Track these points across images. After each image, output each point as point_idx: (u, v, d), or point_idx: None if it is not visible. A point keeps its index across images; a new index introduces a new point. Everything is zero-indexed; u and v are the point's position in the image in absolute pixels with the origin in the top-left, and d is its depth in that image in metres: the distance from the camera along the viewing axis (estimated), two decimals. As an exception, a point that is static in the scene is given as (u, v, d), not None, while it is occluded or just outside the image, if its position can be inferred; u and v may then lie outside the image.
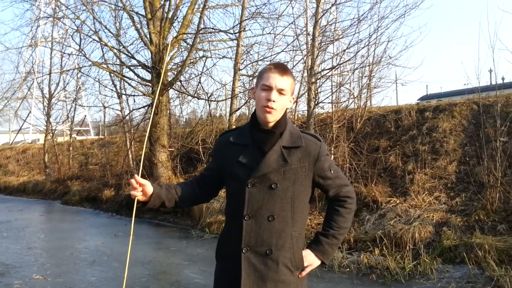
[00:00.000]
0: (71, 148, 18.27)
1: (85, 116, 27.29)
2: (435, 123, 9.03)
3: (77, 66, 13.77)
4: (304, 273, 2.14)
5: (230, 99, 11.25)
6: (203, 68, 11.45)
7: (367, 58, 9.02)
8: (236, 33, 10.40)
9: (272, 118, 2.08)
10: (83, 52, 10.73)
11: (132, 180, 2.08)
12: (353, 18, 8.82)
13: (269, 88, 2.06)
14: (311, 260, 2.15)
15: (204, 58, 11.57)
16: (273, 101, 2.04)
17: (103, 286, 5.53)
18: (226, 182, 2.23)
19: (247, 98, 11.32)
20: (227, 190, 2.24)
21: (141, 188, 2.10)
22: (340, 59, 8.76)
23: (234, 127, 11.20)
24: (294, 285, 2.10)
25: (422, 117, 9.48)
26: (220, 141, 2.29)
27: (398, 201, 7.31)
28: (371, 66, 9.06)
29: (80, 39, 10.81)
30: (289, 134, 2.12)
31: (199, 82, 11.55)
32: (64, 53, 14.45)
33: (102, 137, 19.62)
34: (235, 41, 11.04)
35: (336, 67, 8.79)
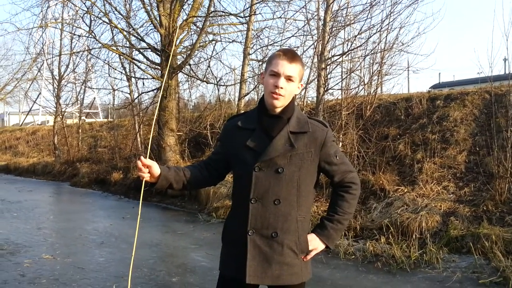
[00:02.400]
0: (80, 131, 18.37)
1: (94, 98, 27.36)
2: (446, 112, 8.94)
3: (87, 48, 13.75)
4: (309, 256, 2.16)
5: (239, 84, 11.19)
6: (212, 52, 11.47)
7: (378, 44, 8.91)
8: (246, 16, 10.31)
9: (279, 104, 2.10)
10: (93, 34, 10.71)
11: (139, 162, 2.12)
12: (365, 3, 8.68)
13: (277, 75, 2.07)
14: (316, 244, 2.16)
15: (213, 42, 11.53)
16: (281, 87, 2.06)
17: (111, 266, 5.59)
18: (233, 166, 2.26)
19: (256, 83, 11.27)
20: (234, 174, 2.27)
21: (148, 170, 2.13)
22: (351, 45, 8.66)
23: (242, 111, 11.19)
24: (299, 267, 2.13)
25: (433, 105, 9.38)
26: (227, 125, 2.32)
27: (406, 190, 7.27)
28: (382, 52, 8.95)
29: (90, 21, 10.80)
30: (296, 120, 2.14)
31: (208, 66, 11.51)
32: (74, 34, 14.43)
33: (111, 120, 19.67)
34: (245, 25, 10.95)
35: (347, 53, 8.69)
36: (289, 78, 2.08)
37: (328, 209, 2.26)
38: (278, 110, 2.13)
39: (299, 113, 2.18)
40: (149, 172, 2.14)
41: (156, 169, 2.15)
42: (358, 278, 5.01)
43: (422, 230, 6.06)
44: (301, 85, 2.21)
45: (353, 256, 5.75)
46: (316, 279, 5.03)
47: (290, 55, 2.11)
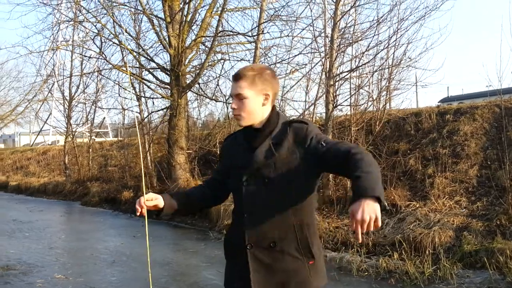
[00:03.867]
0: (90, 150, 18.50)
1: (104, 118, 27.59)
2: (456, 126, 8.91)
3: (97, 69, 13.96)
4: (356, 226, 1.70)
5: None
6: (221, 70, 11.54)
7: (386, 60, 8.94)
8: (254, 35, 10.42)
9: (244, 123, 2.13)
10: (103, 55, 10.87)
11: (137, 206, 2.17)
12: (372, 20, 8.76)
13: (232, 97, 2.16)
14: (355, 206, 1.70)
15: (222, 61, 11.65)
16: (233, 108, 2.13)
17: (123, 286, 5.60)
18: (229, 183, 2.28)
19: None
20: (231, 190, 2.32)
21: (154, 203, 2.18)
22: (359, 61, 8.70)
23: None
24: (307, 272, 2.07)
25: (443, 120, 9.35)
26: (224, 143, 2.39)
27: (417, 205, 7.21)
28: (390, 68, 8.98)
29: (101, 43, 10.96)
30: (279, 131, 2.13)
31: (217, 85, 11.61)
32: (85, 56, 14.64)
33: (121, 139, 19.81)
34: (253, 44, 11.06)
35: (355, 70, 8.74)
36: (238, 97, 2.10)
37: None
38: (259, 125, 2.14)
39: (284, 123, 2.16)
40: (154, 205, 2.19)
41: (161, 201, 2.20)
42: (371, 295, 4.97)
43: (435, 246, 6.00)
44: (267, 95, 2.13)
45: (366, 273, 5.70)
46: (329, 296, 4.99)
47: (235, 75, 2.14)
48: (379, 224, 1.72)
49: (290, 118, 2.25)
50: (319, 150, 2.03)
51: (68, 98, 18.07)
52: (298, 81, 10.94)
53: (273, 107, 2.20)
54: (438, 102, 23.56)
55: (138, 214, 2.18)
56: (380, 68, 8.93)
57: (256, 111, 2.12)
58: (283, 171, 2.07)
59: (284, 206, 2.08)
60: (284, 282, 2.06)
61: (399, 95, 11.56)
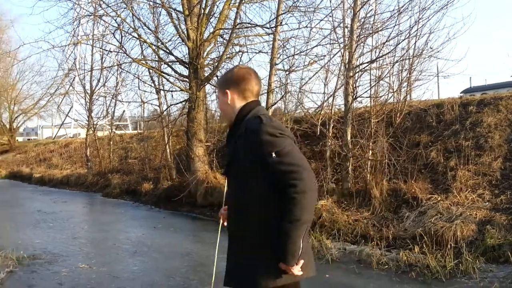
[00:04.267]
0: (111, 143, 18.73)
1: (123, 111, 27.88)
2: (479, 118, 8.73)
3: (117, 63, 14.08)
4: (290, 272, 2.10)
5: (266, 94, 11.22)
6: (239, 63, 11.49)
7: (407, 51, 8.80)
8: (272, 27, 10.36)
9: (223, 121, 2.49)
10: (123, 49, 10.94)
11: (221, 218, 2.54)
12: (393, 10, 8.60)
13: None
14: (283, 267, 2.11)
15: (240, 53, 11.62)
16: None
17: (145, 275, 5.67)
18: None
19: (283, 93, 11.28)
20: None
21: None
22: (379, 52, 8.57)
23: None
24: (262, 269, 2.13)
25: (466, 111, 9.18)
26: None
27: (439, 198, 7.12)
28: (411, 59, 8.83)
29: (121, 37, 11.03)
30: (240, 129, 2.22)
31: (236, 77, 11.57)
32: (105, 50, 14.77)
33: (141, 131, 20.00)
34: (271, 36, 11.00)
35: (375, 61, 8.62)
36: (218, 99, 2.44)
37: None
38: (231, 123, 2.35)
39: (249, 119, 2.22)
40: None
41: None
42: (392, 289, 4.93)
43: (457, 239, 5.92)
44: (226, 93, 2.32)
45: (386, 266, 5.65)
46: (349, 289, 4.98)
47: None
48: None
49: (261, 114, 2.23)
50: (266, 162, 2.08)
51: (89, 91, 18.29)
52: (316, 72, 10.84)
53: (245, 104, 2.30)
54: (461, 93, 23.13)
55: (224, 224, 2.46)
56: (401, 59, 8.79)
57: (225, 110, 2.35)
58: (240, 170, 2.18)
59: (243, 203, 2.18)
60: (237, 276, 2.21)
61: (420, 86, 11.36)
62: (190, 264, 6.30)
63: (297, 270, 2.09)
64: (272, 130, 2.10)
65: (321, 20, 10.99)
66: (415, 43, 8.70)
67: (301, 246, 2.05)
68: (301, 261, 2.09)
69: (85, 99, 18.73)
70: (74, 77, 21.54)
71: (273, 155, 2.06)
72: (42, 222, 9.89)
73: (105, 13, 11.95)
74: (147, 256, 6.67)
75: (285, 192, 2.04)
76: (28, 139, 47.46)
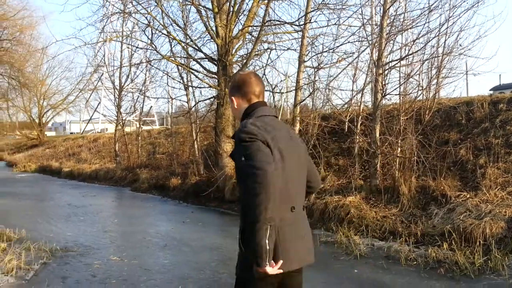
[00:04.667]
0: (139, 138, 19.05)
1: (151, 107, 28.29)
2: (510, 116, 8.64)
3: (146, 59, 14.33)
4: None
5: (294, 91, 11.29)
6: (267, 60, 11.61)
7: (437, 48, 8.75)
8: (301, 25, 10.41)
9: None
10: (153, 46, 11.16)
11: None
12: (423, 8, 8.56)
13: None
14: None
15: (268, 50, 11.71)
16: None
17: (175, 269, 5.82)
18: None
19: (311, 90, 11.33)
20: None
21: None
22: (409, 50, 8.55)
23: (298, 118, 11.26)
24: (240, 260, 2.44)
25: (496, 109, 9.09)
26: None
27: (468, 196, 7.09)
28: (441, 56, 8.78)
29: (152, 34, 11.25)
30: None
31: (264, 74, 11.67)
32: (136, 47, 15.07)
33: (169, 127, 20.30)
34: (300, 33, 11.05)
35: (404, 58, 8.60)
36: None
37: None
38: None
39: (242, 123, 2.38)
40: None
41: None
42: (420, 284, 4.97)
43: (486, 237, 5.90)
44: (232, 99, 2.54)
45: (415, 262, 5.68)
46: (378, 284, 5.03)
47: None
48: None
49: (254, 117, 2.38)
50: (239, 164, 2.24)
51: (118, 87, 18.64)
52: (344, 68, 10.87)
53: (249, 106, 2.46)
54: (490, 90, 22.72)
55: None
56: (431, 56, 8.75)
57: (236, 114, 2.57)
58: (237, 170, 2.36)
59: (240, 200, 2.30)
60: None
61: (450, 83, 11.26)
62: (219, 258, 6.43)
63: (270, 270, 2.14)
64: (243, 135, 2.21)
65: (349, 17, 10.95)
66: (445, 41, 8.66)
67: (267, 247, 2.09)
68: (279, 262, 2.18)
69: (114, 95, 19.09)
70: (103, 73, 21.97)
71: (243, 159, 2.17)
72: (73, 216, 10.18)
73: (135, 10, 12.19)
74: (177, 250, 6.82)
75: (240, 197, 2.21)
76: (71, 133, 48.34)
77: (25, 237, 7.42)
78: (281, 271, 2.19)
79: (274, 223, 2.12)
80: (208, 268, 5.82)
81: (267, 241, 2.09)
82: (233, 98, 2.51)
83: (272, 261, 2.15)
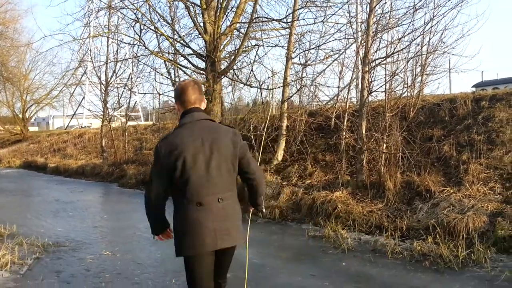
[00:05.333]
0: (126, 133, 19.00)
1: (136, 102, 28.15)
2: (491, 113, 8.89)
3: (133, 55, 14.28)
4: None
5: (282, 87, 11.42)
6: (255, 56, 11.69)
7: (422, 47, 8.96)
8: (289, 22, 10.52)
9: None
10: (142, 41, 11.15)
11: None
12: (409, 7, 8.74)
13: None
14: None
15: (256, 47, 11.79)
16: None
17: (168, 262, 5.90)
18: None
19: (299, 87, 11.47)
20: None
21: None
22: (395, 48, 8.73)
23: (286, 115, 11.39)
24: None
25: (478, 106, 9.34)
26: None
27: (451, 191, 7.32)
28: (426, 55, 8.98)
29: (141, 30, 11.23)
30: None
31: (251, 70, 11.77)
32: (122, 42, 14.99)
33: (156, 123, 20.27)
34: (288, 30, 11.16)
35: (390, 56, 8.78)
36: None
37: None
38: None
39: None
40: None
41: None
42: (406, 277, 5.15)
43: (469, 230, 6.12)
44: (176, 104, 3.10)
45: (401, 255, 5.87)
46: (365, 277, 5.20)
47: None
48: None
49: (180, 124, 3.01)
50: None
51: (104, 82, 18.54)
52: (329, 65, 11.00)
53: (183, 112, 3.00)
54: (472, 87, 23.17)
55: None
56: (416, 54, 8.94)
57: (179, 117, 3.05)
58: None
59: None
60: None
61: (434, 81, 11.50)
62: (210, 251, 6.54)
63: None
64: (154, 148, 2.95)
65: (334, 14, 11.04)
66: (429, 39, 8.86)
67: (153, 226, 3.18)
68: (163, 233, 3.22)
69: (100, 90, 18.97)
70: (86, 68, 21.82)
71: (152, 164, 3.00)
72: (61, 211, 10.19)
73: (122, 5, 12.13)
74: (169, 244, 6.74)
75: None
76: (65, 127, 47.62)
77: (16, 233, 7.46)
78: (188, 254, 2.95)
79: (154, 217, 3.12)
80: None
81: (154, 223, 3.16)
82: (176, 104, 3.05)
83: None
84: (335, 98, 11.02)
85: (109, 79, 18.42)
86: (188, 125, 2.90)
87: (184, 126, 2.90)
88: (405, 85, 9.23)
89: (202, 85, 11.62)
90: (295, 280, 5.13)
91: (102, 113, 19.22)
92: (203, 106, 3.05)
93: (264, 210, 3.41)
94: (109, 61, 17.86)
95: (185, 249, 2.90)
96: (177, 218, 2.94)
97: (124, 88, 18.33)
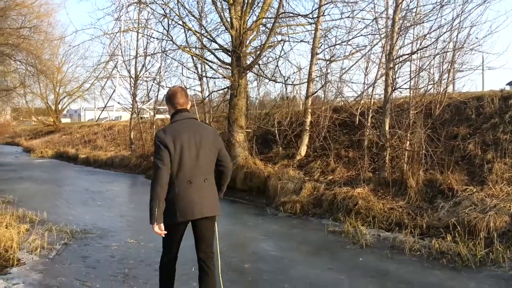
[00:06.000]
0: (154, 126, 19.35)
1: (164, 95, 28.59)
2: (519, 112, 8.73)
3: (162, 49, 14.56)
4: None
5: (306, 83, 11.45)
6: (280, 52, 11.78)
7: (449, 43, 8.85)
8: (315, 17, 10.54)
9: None
10: (170, 36, 11.36)
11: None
12: (436, 2, 8.63)
13: None
14: None
15: (282, 42, 11.85)
16: None
17: (188, 252, 5.91)
18: None
19: (323, 82, 11.48)
20: None
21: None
22: (421, 44, 8.65)
23: (310, 110, 11.43)
24: None
25: (506, 105, 9.17)
26: None
27: (474, 190, 7.23)
28: (453, 51, 8.87)
29: (168, 25, 11.45)
30: None
31: (277, 66, 11.85)
32: (151, 37, 15.30)
33: (182, 116, 20.55)
34: (313, 25, 11.19)
35: (416, 52, 8.71)
36: None
37: None
38: None
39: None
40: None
41: None
42: (423, 273, 5.17)
43: (489, 230, 6.07)
44: (167, 106, 3.82)
45: (419, 253, 5.88)
46: (381, 272, 5.24)
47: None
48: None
49: (172, 121, 3.66)
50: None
51: (133, 76, 18.93)
52: (357, 61, 11.00)
53: (173, 112, 3.70)
54: (506, 85, 22.58)
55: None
56: (443, 51, 8.84)
57: (170, 116, 3.75)
58: None
59: None
60: None
61: (461, 78, 11.33)
62: (230, 243, 6.67)
63: (156, 228, 3.52)
64: (155, 138, 3.54)
65: (361, 10, 10.96)
66: (457, 35, 8.74)
67: (155, 214, 3.43)
68: (160, 225, 3.51)
69: (130, 84, 19.38)
70: (117, 61, 22.25)
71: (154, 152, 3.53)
72: (90, 200, 10.55)
73: (151, 0, 12.37)
74: (190, 235, 7.02)
75: None
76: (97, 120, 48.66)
77: (47, 219, 7.84)
78: (162, 232, 3.57)
79: (161, 197, 3.43)
80: (220, 252, 6.06)
81: (154, 207, 3.42)
82: (167, 105, 3.78)
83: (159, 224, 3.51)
84: (361, 94, 11.00)
85: (138, 73, 18.80)
86: (179, 122, 3.60)
87: (176, 122, 3.61)
88: (431, 82, 9.14)
89: (228, 79, 11.86)
90: (312, 273, 5.22)
91: (131, 106, 19.63)
92: (188, 107, 3.76)
93: (222, 196, 4.02)
94: (138, 55, 18.22)
95: (176, 216, 3.53)
96: (171, 192, 3.51)
97: (153, 82, 18.66)
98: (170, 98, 3.69)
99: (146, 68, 18.67)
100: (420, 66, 8.99)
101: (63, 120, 46.83)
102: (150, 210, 3.44)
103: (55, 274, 5.24)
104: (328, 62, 11.28)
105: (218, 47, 11.79)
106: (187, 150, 3.52)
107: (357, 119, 10.93)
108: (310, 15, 10.50)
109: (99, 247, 6.39)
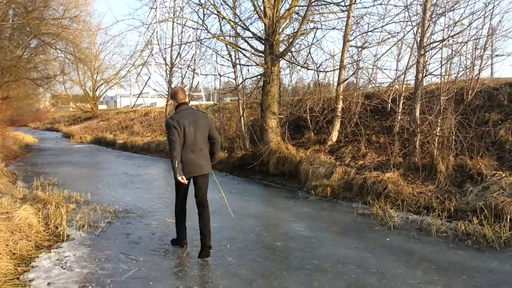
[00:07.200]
0: (188, 112, 19.76)
1: (198, 82, 29.09)
2: (553, 98, 8.69)
3: (197, 38, 14.92)
4: None
5: (338, 70, 11.61)
6: (313, 39, 11.94)
7: (480, 30, 8.86)
8: (347, 5, 10.66)
9: None
10: (205, 25, 11.69)
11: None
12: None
13: None
14: None
15: (314, 30, 12.01)
16: None
17: (224, 231, 6.50)
18: None
19: (355, 69, 11.61)
20: None
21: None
22: (451, 31, 8.70)
23: (341, 97, 11.60)
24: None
25: (540, 91, 9.14)
26: None
27: (503, 175, 7.33)
28: (485, 38, 8.88)
29: (204, 14, 11.78)
30: None
31: (309, 53, 12.03)
32: (186, 25, 15.69)
33: (217, 103, 21.00)
34: (346, 13, 11.30)
35: (447, 39, 8.76)
36: None
37: None
38: None
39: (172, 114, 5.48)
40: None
41: None
42: (447, 253, 5.39)
43: (516, 213, 6.20)
44: (172, 101, 5.56)
45: (445, 234, 6.08)
46: (407, 251, 5.49)
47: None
48: None
49: (178, 111, 5.34)
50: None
51: (169, 64, 19.42)
52: (389, 49, 11.11)
53: (177, 105, 5.38)
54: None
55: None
56: (474, 37, 8.86)
57: (174, 108, 5.47)
58: None
59: None
60: None
61: (493, 64, 11.24)
62: (263, 224, 7.05)
63: (180, 179, 5.16)
64: (168, 123, 5.18)
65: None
66: (489, 22, 8.74)
67: (176, 170, 5.06)
68: (182, 177, 5.13)
69: (165, 71, 19.90)
70: (152, 49, 22.77)
71: (167, 133, 5.22)
72: (129, 183, 11.10)
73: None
74: (225, 216, 7.45)
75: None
76: (133, 106, 49.66)
77: (91, 200, 8.40)
78: (186, 181, 5.24)
79: (178, 158, 5.05)
80: (252, 232, 6.45)
81: (176, 165, 5.04)
82: (172, 100, 5.48)
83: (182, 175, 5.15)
84: (393, 81, 11.09)
85: (173, 61, 19.26)
86: (182, 111, 5.25)
87: (180, 112, 5.25)
88: (463, 68, 9.17)
89: (261, 67, 12.15)
90: (339, 251, 5.52)
91: (167, 93, 20.16)
92: (187, 100, 5.43)
93: (215, 162, 5.72)
94: (174, 43, 18.66)
95: (186, 173, 5.18)
96: (183, 158, 5.15)
97: (188, 69, 19.11)
98: (174, 95, 5.40)
99: (181, 56, 19.11)
100: (451, 52, 9.04)
101: (100, 107, 48.13)
102: (173, 169, 5.06)
103: (101, 248, 5.73)
104: (360, 49, 11.40)
105: (251, 35, 12.05)
106: (188, 130, 5.14)
107: (389, 105, 11.05)
108: (343, 3, 10.64)
109: (140, 226, 6.87)
